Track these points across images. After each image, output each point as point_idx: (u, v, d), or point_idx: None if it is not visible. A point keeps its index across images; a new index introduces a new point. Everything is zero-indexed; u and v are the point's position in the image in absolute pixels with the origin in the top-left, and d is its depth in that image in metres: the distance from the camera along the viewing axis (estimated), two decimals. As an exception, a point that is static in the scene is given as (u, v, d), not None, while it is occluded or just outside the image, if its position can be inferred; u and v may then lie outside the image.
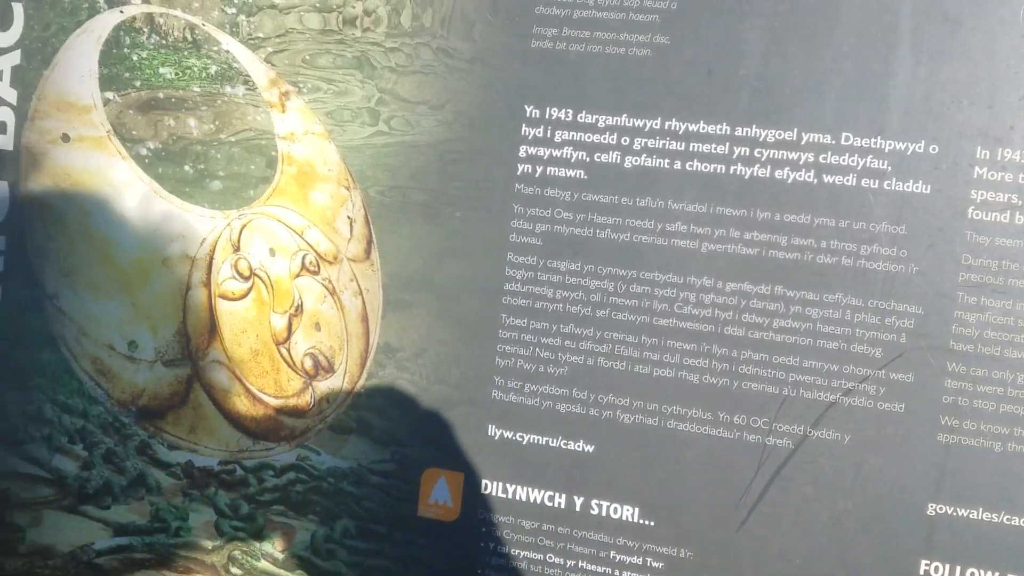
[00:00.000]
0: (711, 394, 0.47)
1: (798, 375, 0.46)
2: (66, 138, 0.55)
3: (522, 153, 0.49)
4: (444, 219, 0.51)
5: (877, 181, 0.45)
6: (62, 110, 0.55)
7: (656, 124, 0.47)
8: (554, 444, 0.50)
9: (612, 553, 0.49)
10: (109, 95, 0.54)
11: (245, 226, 0.53)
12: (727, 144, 0.47)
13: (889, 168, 0.45)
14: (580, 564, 0.50)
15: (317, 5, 0.51)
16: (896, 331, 0.46)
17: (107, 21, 0.54)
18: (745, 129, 0.46)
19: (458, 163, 0.50)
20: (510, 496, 0.51)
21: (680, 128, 0.47)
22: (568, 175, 0.49)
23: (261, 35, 0.52)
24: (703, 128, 0.47)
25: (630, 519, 0.49)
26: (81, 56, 0.54)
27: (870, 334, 0.46)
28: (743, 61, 0.46)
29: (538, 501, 0.50)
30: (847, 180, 0.46)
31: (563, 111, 0.49)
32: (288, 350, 0.53)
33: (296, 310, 0.53)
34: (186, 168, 0.54)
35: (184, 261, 0.54)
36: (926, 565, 0.46)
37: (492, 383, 0.51)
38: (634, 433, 0.49)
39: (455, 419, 0.51)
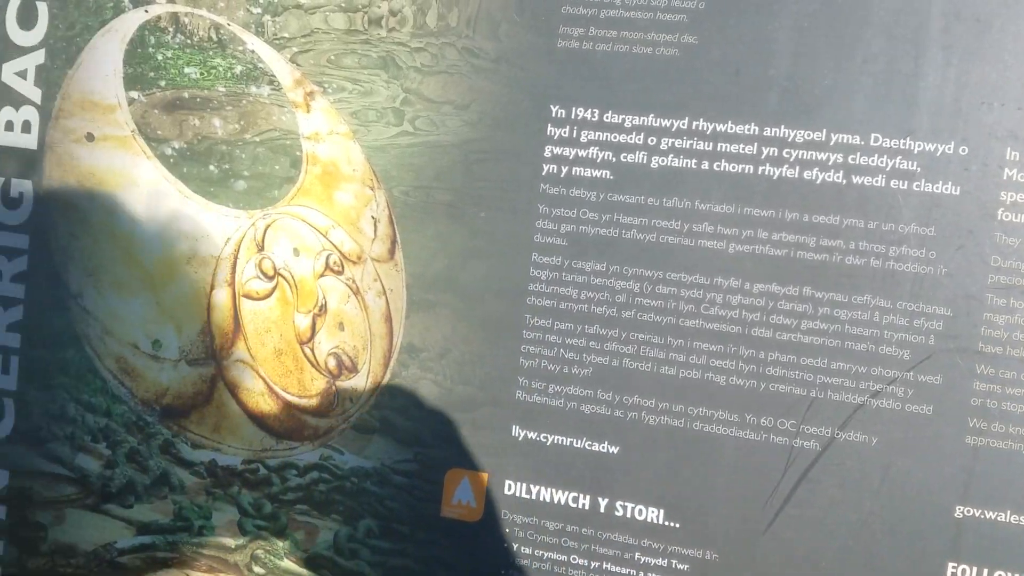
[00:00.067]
0: (738, 396, 0.47)
1: (826, 377, 0.46)
2: (90, 137, 0.55)
3: (548, 153, 0.49)
4: (469, 219, 0.51)
5: (906, 182, 0.45)
6: (86, 109, 0.55)
7: (683, 124, 0.47)
8: (578, 445, 0.50)
9: (637, 555, 0.49)
10: (134, 94, 0.54)
11: (269, 226, 0.53)
12: (755, 144, 0.46)
13: (918, 169, 0.45)
14: (604, 566, 0.50)
15: (343, 5, 0.51)
16: (924, 333, 0.45)
17: (132, 20, 0.54)
18: (774, 129, 0.46)
19: (483, 163, 0.50)
20: (534, 497, 0.51)
21: (708, 128, 0.47)
22: (594, 175, 0.49)
23: (286, 35, 0.52)
24: (731, 128, 0.47)
25: (655, 521, 0.49)
26: (106, 55, 0.54)
27: (898, 336, 0.46)
28: (772, 61, 0.46)
29: (562, 502, 0.50)
30: (876, 181, 0.45)
31: (589, 111, 0.48)
32: (312, 350, 0.53)
33: (320, 310, 0.53)
34: (211, 168, 0.54)
35: (208, 261, 0.54)
36: (953, 568, 0.46)
37: (516, 384, 0.50)
38: (660, 435, 0.48)
39: (479, 419, 0.51)
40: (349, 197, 0.52)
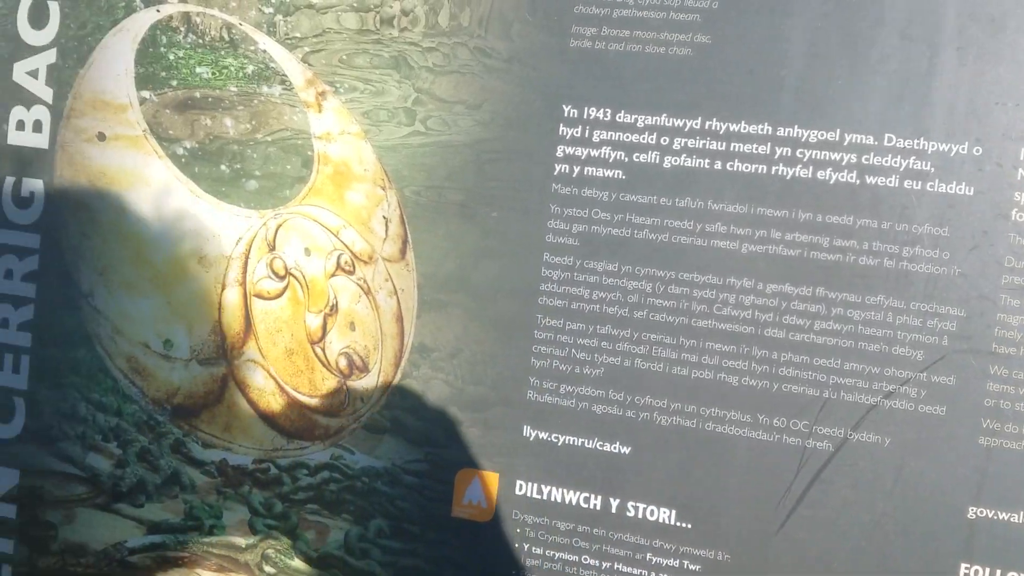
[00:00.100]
0: (751, 396, 0.47)
1: (839, 377, 0.46)
2: (102, 137, 0.55)
3: (559, 153, 0.49)
4: (480, 219, 0.51)
5: (920, 183, 0.45)
6: (98, 109, 0.55)
7: (696, 124, 0.47)
8: (590, 445, 0.50)
9: (648, 555, 0.49)
10: (145, 94, 0.54)
11: (281, 225, 0.53)
12: (769, 144, 0.46)
13: (932, 170, 0.45)
14: (616, 566, 0.50)
15: (354, 5, 0.51)
16: (938, 333, 0.45)
17: (143, 20, 0.54)
18: (787, 129, 0.46)
19: (495, 163, 0.50)
20: (545, 497, 0.51)
21: (721, 128, 0.47)
22: (606, 175, 0.49)
23: (298, 35, 0.52)
24: (744, 128, 0.47)
25: (667, 521, 0.49)
26: (117, 55, 0.54)
27: (912, 336, 0.46)
28: (785, 61, 0.46)
29: (573, 502, 0.50)
30: (890, 181, 0.45)
31: (602, 111, 0.48)
32: (323, 349, 0.53)
33: (331, 309, 0.53)
34: (222, 167, 0.54)
35: (220, 260, 0.54)
36: (966, 569, 0.45)
37: (527, 384, 0.50)
38: (671, 435, 0.48)
39: (490, 419, 0.51)
40: (360, 197, 0.52)
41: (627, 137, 0.48)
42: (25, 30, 0.56)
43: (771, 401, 0.47)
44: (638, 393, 0.49)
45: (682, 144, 0.47)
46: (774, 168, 0.46)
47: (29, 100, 0.56)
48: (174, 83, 0.54)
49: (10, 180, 0.57)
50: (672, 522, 0.49)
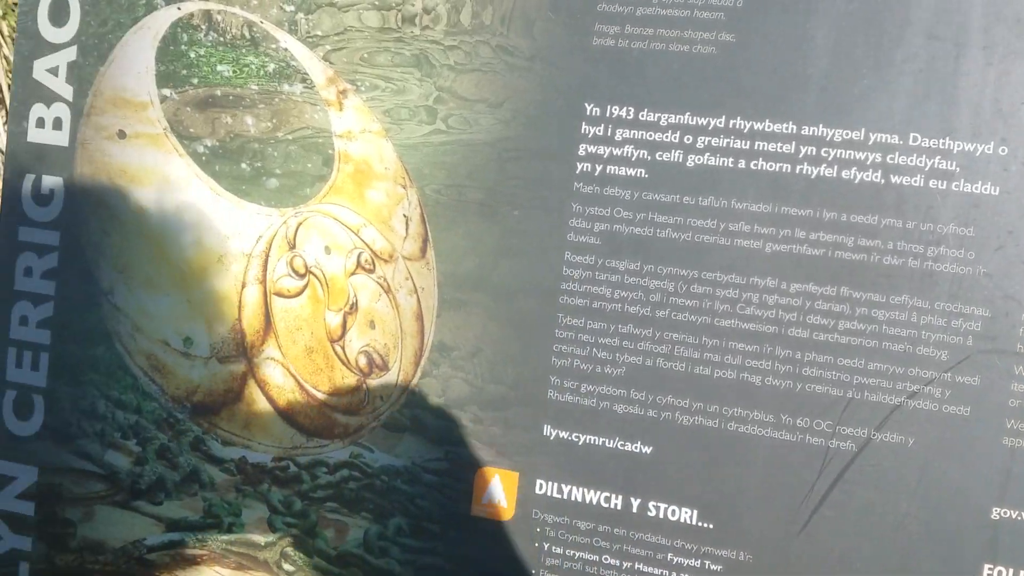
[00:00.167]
0: (774, 396, 0.47)
1: (863, 377, 0.46)
2: (122, 135, 0.55)
3: (582, 151, 0.49)
4: (501, 218, 0.50)
5: (945, 182, 0.45)
6: (118, 107, 0.55)
7: (720, 122, 0.47)
8: (611, 445, 0.50)
9: (669, 555, 0.49)
10: (166, 92, 0.54)
11: (301, 224, 0.53)
12: (793, 143, 0.46)
13: (957, 169, 0.45)
14: (636, 566, 0.50)
15: (376, 3, 0.51)
16: (962, 334, 0.45)
17: (164, 18, 0.54)
18: (812, 128, 0.46)
19: (516, 161, 0.50)
20: (565, 496, 0.51)
21: (745, 127, 0.47)
22: (628, 174, 0.48)
23: (319, 33, 0.52)
24: (768, 127, 0.46)
25: (688, 521, 0.49)
26: (138, 53, 0.54)
27: (936, 336, 0.45)
28: (810, 60, 0.46)
29: (594, 502, 0.50)
30: (915, 181, 0.45)
31: (624, 109, 0.48)
32: (342, 348, 0.53)
33: (351, 308, 0.53)
34: (243, 166, 0.54)
35: (240, 258, 0.54)
36: (989, 569, 0.45)
37: (548, 383, 0.50)
38: (693, 435, 0.48)
39: (510, 419, 0.51)
40: (381, 195, 0.52)
41: (650, 135, 0.48)
42: (45, 27, 0.56)
43: (794, 401, 0.47)
44: (660, 393, 0.49)
45: (706, 143, 0.47)
46: (798, 167, 0.46)
47: (49, 97, 0.56)
48: (195, 81, 0.54)
49: (30, 177, 0.57)
50: (694, 522, 0.49)
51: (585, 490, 0.50)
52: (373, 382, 0.53)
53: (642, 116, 0.48)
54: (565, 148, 0.49)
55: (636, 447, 0.49)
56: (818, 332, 0.46)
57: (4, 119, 1.03)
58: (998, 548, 0.45)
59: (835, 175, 0.46)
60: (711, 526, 0.48)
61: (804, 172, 0.46)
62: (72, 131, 0.56)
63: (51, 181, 0.56)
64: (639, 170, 0.48)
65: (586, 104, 0.49)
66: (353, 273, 0.53)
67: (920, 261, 0.45)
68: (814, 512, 0.47)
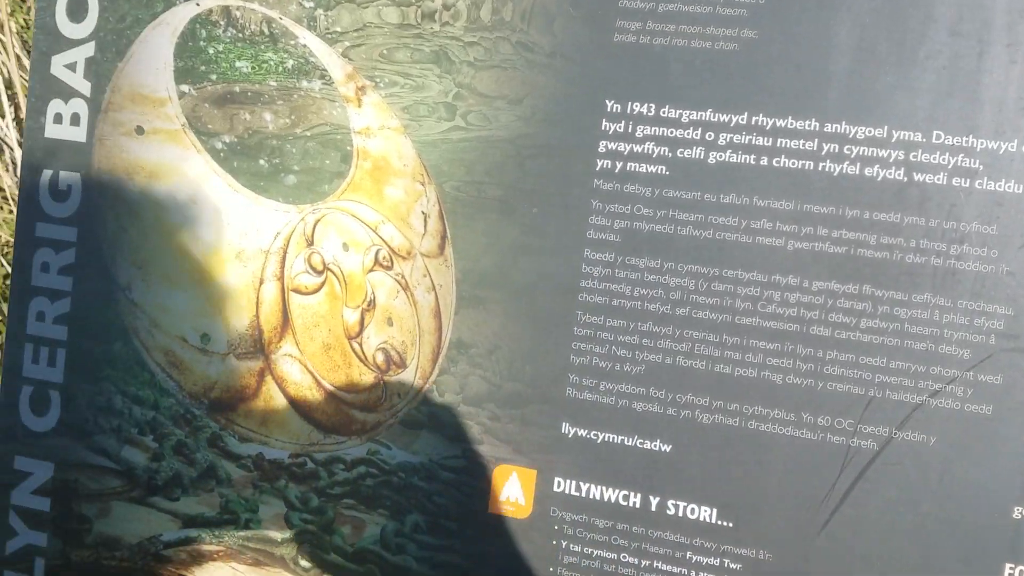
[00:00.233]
0: (795, 394, 0.47)
1: (884, 376, 0.46)
2: (140, 131, 0.55)
3: (602, 148, 0.49)
4: (520, 215, 0.50)
5: (968, 180, 0.45)
6: (136, 103, 0.55)
7: (742, 119, 0.47)
8: (630, 443, 0.49)
9: (688, 554, 0.49)
10: (184, 88, 0.54)
11: (319, 220, 0.53)
12: (816, 140, 0.46)
13: (981, 167, 0.45)
14: (655, 564, 0.49)
15: (396, -2, 0.51)
16: (985, 332, 0.45)
17: (183, 14, 0.54)
18: (834, 125, 0.46)
19: (536, 158, 0.50)
20: (583, 494, 0.50)
21: (767, 124, 0.46)
22: (649, 171, 0.48)
23: (339, 29, 0.52)
24: (791, 124, 0.46)
25: (708, 520, 0.49)
26: (156, 49, 0.54)
27: (958, 335, 0.45)
28: (833, 56, 0.46)
29: (612, 500, 0.50)
30: (938, 179, 0.45)
31: (645, 106, 0.48)
32: (360, 345, 0.53)
33: (369, 305, 0.53)
34: (261, 162, 0.54)
35: (258, 255, 0.54)
36: (1010, 569, 0.45)
37: (567, 381, 0.50)
38: (713, 433, 0.48)
39: (528, 416, 0.51)
40: (399, 192, 0.52)
41: (671, 132, 0.48)
42: (64, 23, 0.56)
43: (816, 399, 0.47)
44: (679, 391, 0.48)
45: (727, 140, 0.47)
46: (821, 164, 0.46)
47: (67, 93, 0.56)
48: (213, 77, 0.54)
49: (47, 173, 0.57)
50: (713, 521, 0.48)
51: (604, 488, 0.50)
52: (391, 379, 0.53)
53: (663, 113, 0.48)
54: (585, 145, 0.49)
55: (655, 445, 0.49)
56: (840, 330, 0.46)
57: (13, 114, 1.03)
58: (1020, 547, 0.45)
59: (858, 172, 0.46)
60: (731, 525, 0.48)
61: (827, 169, 0.46)
62: (90, 127, 0.56)
63: (68, 177, 0.56)
64: (660, 167, 0.48)
65: (607, 101, 0.49)
66: (371, 270, 0.53)
67: (943, 259, 0.45)
68: (835, 511, 0.47)
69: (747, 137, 0.47)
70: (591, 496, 0.50)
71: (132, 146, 0.55)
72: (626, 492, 0.50)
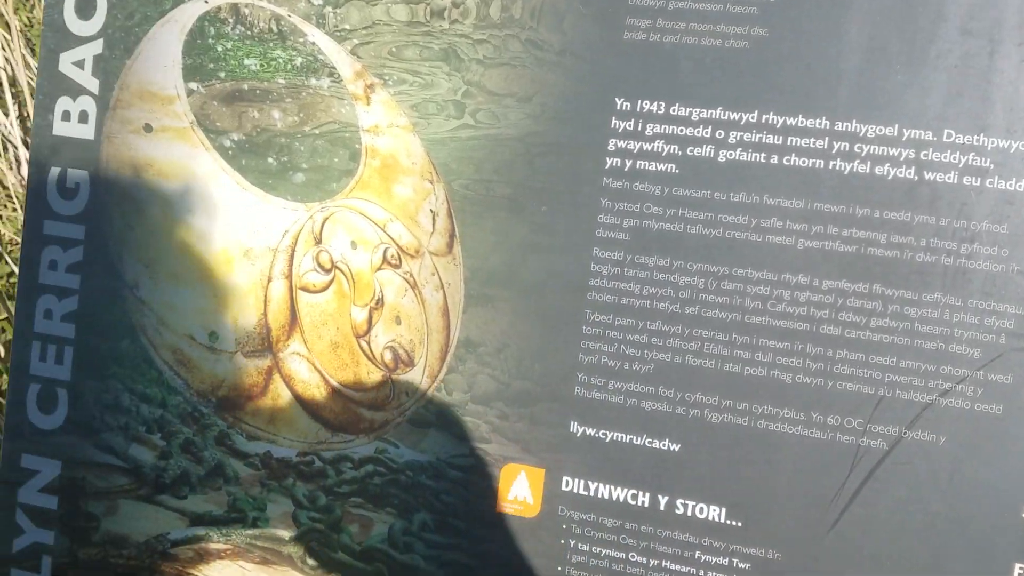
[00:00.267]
0: (805, 394, 0.47)
1: (894, 375, 0.46)
2: (148, 128, 0.55)
3: (611, 147, 0.49)
4: (529, 213, 0.50)
5: (979, 179, 0.45)
6: (145, 100, 0.55)
7: (752, 117, 0.47)
8: (638, 442, 0.49)
9: (697, 553, 0.49)
10: (193, 86, 0.54)
11: (327, 219, 0.53)
12: (826, 139, 0.46)
13: (991, 166, 0.44)
14: (663, 564, 0.49)
15: (405, -4, 0.51)
16: (995, 332, 0.45)
17: (192, 11, 0.54)
18: (845, 124, 0.46)
19: (544, 156, 0.50)
20: (592, 494, 0.50)
21: (777, 122, 0.46)
22: (659, 169, 0.48)
23: (347, 27, 0.52)
24: (801, 122, 0.46)
25: (717, 519, 0.48)
26: (165, 46, 0.54)
27: (969, 334, 0.45)
28: (843, 55, 0.46)
29: (621, 499, 0.50)
30: (948, 178, 0.45)
31: (655, 104, 0.48)
32: (368, 343, 0.53)
33: (377, 303, 0.53)
34: (269, 160, 0.53)
35: (266, 253, 0.54)
36: (1020, 569, 0.45)
37: (575, 379, 0.50)
38: (723, 432, 0.48)
39: (536, 415, 0.51)
40: (408, 190, 0.52)
41: (681, 131, 0.48)
42: (72, 20, 0.56)
43: (825, 399, 0.46)
44: (689, 390, 0.48)
45: (737, 138, 0.47)
46: (831, 163, 0.46)
47: (75, 91, 0.56)
48: (222, 75, 0.54)
49: (55, 171, 0.57)
50: (722, 520, 0.48)
51: (612, 487, 0.50)
52: (399, 377, 0.53)
53: (673, 111, 0.48)
54: (594, 143, 0.49)
55: (664, 444, 0.49)
56: (850, 329, 0.46)
57: (17, 112, 1.03)
58: (1030, 548, 0.45)
59: (868, 171, 0.46)
60: (740, 524, 0.48)
61: (837, 168, 0.46)
62: (98, 124, 0.56)
63: (76, 174, 0.56)
64: (670, 165, 0.48)
65: (616, 99, 0.49)
66: (379, 268, 0.53)
67: (953, 258, 0.45)
68: (844, 510, 0.47)
69: (757, 135, 0.47)
70: (599, 495, 0.50)
71: (140, 144, 0.55)
72: (635, 491, 0.50)
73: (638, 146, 0.48)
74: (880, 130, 0.45)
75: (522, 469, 0.51)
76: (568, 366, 0.50)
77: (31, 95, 0.98)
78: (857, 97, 0.45)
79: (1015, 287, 0.44)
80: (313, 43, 0.53)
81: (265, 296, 0.54)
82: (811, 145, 0.46)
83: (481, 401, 0.52)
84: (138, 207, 0.55)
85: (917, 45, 0.45)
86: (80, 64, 0.56)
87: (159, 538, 0.57)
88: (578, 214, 0.49)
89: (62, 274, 0.57)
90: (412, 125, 0.52)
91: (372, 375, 0.53)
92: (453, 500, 0.52)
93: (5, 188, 1.07)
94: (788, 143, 0.46)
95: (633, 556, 0.50)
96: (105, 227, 0.56)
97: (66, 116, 0.56)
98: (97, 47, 0.56)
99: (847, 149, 0.46)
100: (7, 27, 1.00)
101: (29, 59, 1.00)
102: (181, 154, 0.54)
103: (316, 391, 0.54)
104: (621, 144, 0.49)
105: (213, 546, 0.56)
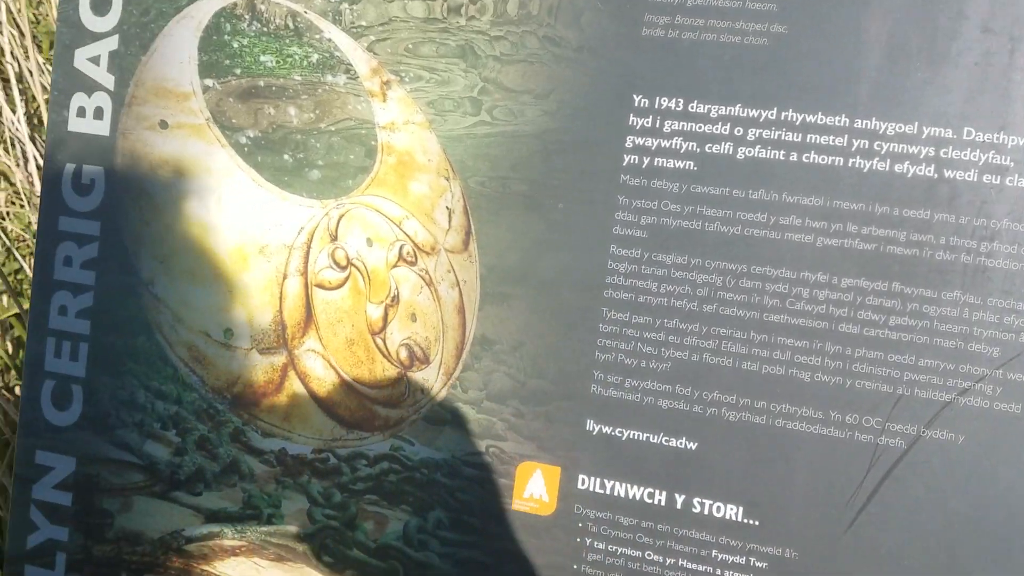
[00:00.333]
0: (823, 392, 0.47)
1: (913, 374, 0.46)
2: (164, 125, 0.55)
3: (629, 144, 0.49)
4: (546, 210, 0.50)
5: (999, 177, 0.44)
6: (160, 97, 0.55)
7: (772, 115, 0.46)
8: (655, 440, 0.49)
9: (714, 552, 0.49)
10: (209, 82, 0.54)
11: (343, 216, 0.53)
12: (845, 136, 0.46)
13: (1012, 164, 0.44)
14: (680, 562, 0.49)
15: (422, -8, 0.51)
16: (1015, 330, 0.45)
17: (207, 7, 0.54)
18: (864, 121, 0.45)
19: (561, 153, 0.50)
20: (608, 492, 0.50)
21: (797, 119, 0.46)
22: (677, 166, 0.48)
23: (364, 23, 0.52)
24: (821, 120, 0.46)
25: (734, 518, 0.48)
26: (181, 42, 0.54)
27: (988, 333, 0.45)
28: (863, 52, 0.45)
29: (637, 498, 0.50)
30: (968, 176, 0.45)
31: (673, 100, 0.48)
32: (383, 340, 0.53)
33: (392, 300, 0.53)
34: (285, 157, 0.53)
35: (281, 250, 0.54)
36: (1039, 570, 0.45)
37: (591, 377, 0.50)
38: (740, 431, 0.48)
39: (552, 413, 0.51)
40: (424, 187, 0.52)
41: (699, 127, 0.47)
42: (87, 16, 0.56)
43: (844, 397, 0.46)
44: (706, 388, 0.48)
45: (756, 135, 0.47)
46: (851, 161, 0.46)
47: (90, 87, 0.56)
48: (238, 71, 0.54)
49: (70, 167, 0.57)
50: (739, 519, 0.48)
51: (628, 486, 0.50)
52: (414, 375, 0.53)
53: (692, 108, 0.48)
54: (612, 140, 0.49)
55: (681, 443, 0.49)
56: (869, 328, 0.46)
57: (24, 108, 1.03)
58: (1048, 547, 0.45)
59: (888, 169, 0.45)
60: (757, 523, 0.48)
61: (856, 166, 0.46)
62: (113, 121, 0.56)
63: (92, 171, 0.56)
64: (688, 163, 0.48)
65: (634, 95, 0.48)
66: (395, 265, 0.53)
67: (973, 256, 0.45)
68: (862, 510, 0.46)
69: (776, 133, 0.46)
70: (616, 494, 0.50)
71: (156, 140, 0.55)
72: (651, 490, 0.50)
73: (656, 143, 0.48)
74: (900, 128, 0.45)
75: (538, 467, 0.51)
76: (584, 364, 0.50)
77: (39, 91, 0.98)
78: (877, 94, 0.45)
79: (1035, 286, 0.44)
80: (329, 39, 0.52)
81: (280, 293, 0.54)
82: (830, 143, 0.46)
83: (497, 399, 0.52)
84: (153, 203, 0.55)
85: (938, 43, 0.45)
86: (95, 60, 0.56)
87: (174, 535, 0.57)
88: (595, 211, 0.49)
89: (77, 270, 0.57)
90: (428, 122, 0.51)
91: (387, 372, 0.53)
92: (468, 498, 0.52)
93: (12, 185, 1.07)
94: (807, 140, 0.46)
95: (649, 555, 0.50)
96: (120, 223, 0.56)
97: (81, 112, 0.56)
98: (112, 43, 0.56)
99: (867, 147, 0.45)
100: (14, 23, 1.00)
101: (36, 56, 1.00)
102: (197, 151, 0.54)
103: (331, 388, 0.54)
104: (639, 141, 0.48)
105: (228, 543, 0.56)
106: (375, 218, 0.53)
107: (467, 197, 0.51)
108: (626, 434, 0.50)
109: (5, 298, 0.95)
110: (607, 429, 0.50)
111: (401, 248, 0.52)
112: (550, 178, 0.50)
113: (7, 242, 0.99)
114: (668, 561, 0.49)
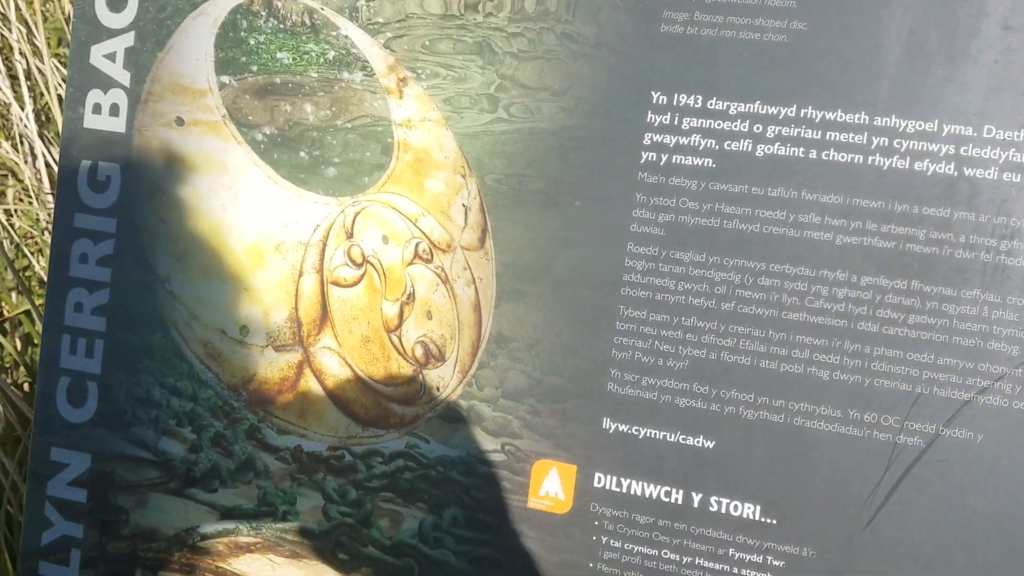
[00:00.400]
0: (842, 391, 0.46)
1: (932, 373, 0.45)
2: (180, 122, 0.55)
3: (647, 141, 0.49)
4: (563, 208, 0.50)
5: (1019, 175, 0.44)
6: (176, 93, 0.55)
7: (791, 112, 0.46)
8: (672, 439, 0.49)
9: (731, 551, 0.49)
10: (225, 79, 0.54)
11: (359, 213, 0.53)
12: (865, 134, 0.45)
13: (1032, 161, 0.44)
14: (697, 561, 0.49)
15: (439, -11, 0.51)
16: (1035, 329, 0.44)
17: (224, 4, 0.54)
18: (884, 119, 0.45)
19: (579, 151, 0.50)
20: (624, 490, 0.50)
21: (816, 116, 0.46)
22: (695, 163, 0.48)
23: (381, 20, 0.52)
24: (840, 117, 0.46)
25: (751, 517, 0.48)
26: (197, 39, 0.54)
27: (1007, 331, 0.45)
28: (883, 50, 0.45)
29: (653, 496, 0.50)
30: (988, 174, 0.44)
31: (692, 97, 0.48)
32: (399, 338, 0.53)
33: (408, 298, 0.53)
34: (301, 154, 0.53)
35: (297, 247, 0.54)
36: (1057, 568, 0.45)
37: (608, 375, 0.50)
38: (758, 430, 0.48)
39: (568, 411, 0.51)
40: (440, 184, 0.52)
41: (718, 125, 0.47)
42: (103, 13, 0.56)
43: (862, 396, 0.46)
44: (724, 386, 0.48)
45: (776, 132, 0.47)
46: (870, 158, 0.46)
47: (106, 83, 0.56)
48: (254, 68, 0.54)
49: (86, 164, 0.57)
50: (756, 518, 0.48)
51: (645, 484, 0.50)
52: (429, 372, 0.53)
53: (710, 105, 0.47)
54: (630, 137, 0.49)
55: (698, 441, 0.49)
56: (888, 326, 0.46)
57: (33, 105, 1.03)
58: (1068, 547, 0.44)
59: (907, 167, 0.45)
60: (774, 521, 0.48)
61: (876, 163, 0.45)
62: (129, 117, 0.56)
63: (107, 168, 0.56)
64: (706, 160, 0.48)
65: (652, 92, 0.48)
66: (411, 263, 0.53)
67: (992, 255, 0.45)
68: (880, 508, 0.46)
69: (795, 130, 0.46)
70: (632, 492, 0.50)
71: (172, 137, 0.55)
72: (668, 488, 0.49)
73: (674, 140, 0.48)
74: (920, 125, 0.45)
75: (554, 465, 0.51)
76: (601, 362, 0.50)
77: (48, 88, 0.98)
78: (897, 92, 0.45)
79: (1055, 284, 0.44)
80: (346, 36, 0.52)
81: (296, 290, 0.54)
82: (850, 140, 0.46)
83: (512, 396, 0.51)
84: (169, 200, 0.55)
85: (958, 40, 0.44)
86: (111, 57, 0.56)
87: (189, 531, 0.57)
88: (612, 209, 0.49)
89: (93, 267, 0.57)
90: (445, 119, 0.51)
91: (403, 370, 0.53)
92: (484, 496, 0.52)
93: (20, 182, 1.07)
94: (827, 138, 0.46)
95: (666, 553, 0.50)
96: (136, 220, 0.56)
97: (97, 109, 0.56)
98: (128, 40, 0.56)
99: (886, 144, 0.45)
100: (23, 21, 1.01)
101: (46, 53, 1.00)
102: (213, 148, 0.54)
103: (347, 385, 0.54)
104: (657, 138, 0.48)
105: (243, 540, 0.56)
106: (391, 215, 0.53)
107: (483, 194, 0.51)
108: (643, 432, 0.50)
109: (14, 295, 0.95)
110: (624, 427, 0.50)
111: (417, 245, 0.52)
112: (567, 175, 0.50)
113: (16, 239, 0.99)
114: (685, 560, 0.49)
